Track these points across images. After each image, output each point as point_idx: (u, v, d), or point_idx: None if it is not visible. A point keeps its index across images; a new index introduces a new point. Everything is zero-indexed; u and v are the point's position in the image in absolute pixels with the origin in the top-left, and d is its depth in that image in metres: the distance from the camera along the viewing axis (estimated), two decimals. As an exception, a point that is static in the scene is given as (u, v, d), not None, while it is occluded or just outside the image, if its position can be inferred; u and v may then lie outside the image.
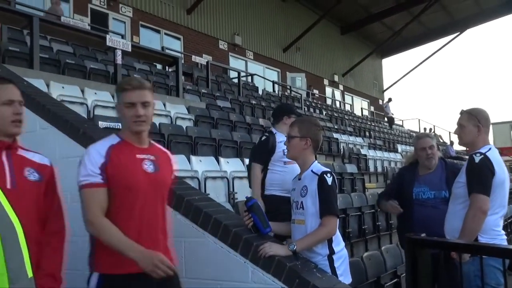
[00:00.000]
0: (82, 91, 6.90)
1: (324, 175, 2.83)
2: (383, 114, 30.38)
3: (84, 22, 13.23)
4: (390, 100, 24.53)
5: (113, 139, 2.39)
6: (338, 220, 2.88)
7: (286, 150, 3.30)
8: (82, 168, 2.28)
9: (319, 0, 24.06)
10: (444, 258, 2.43)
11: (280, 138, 4.14)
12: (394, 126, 24.50)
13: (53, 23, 8.46)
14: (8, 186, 2.16)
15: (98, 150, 2.29)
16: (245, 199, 3.08)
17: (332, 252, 2.84)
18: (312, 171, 2.90)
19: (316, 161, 3.01)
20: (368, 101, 31.62)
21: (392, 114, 24.24)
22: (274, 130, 4.38)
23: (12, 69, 6.00)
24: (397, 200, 4.10)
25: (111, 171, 2.25)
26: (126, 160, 2.31)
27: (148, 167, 2.35)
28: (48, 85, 6.39)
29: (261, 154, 4.25)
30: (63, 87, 6.53)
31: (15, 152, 2.30)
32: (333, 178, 2.86)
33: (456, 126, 3.45)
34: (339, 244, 2.89)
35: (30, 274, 1.02)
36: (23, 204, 2.04)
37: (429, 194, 3.97)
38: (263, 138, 4.37)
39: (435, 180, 3.99)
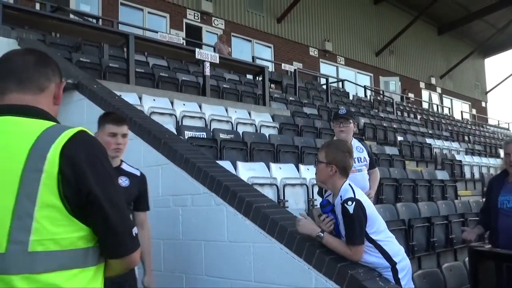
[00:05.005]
0: (172, 103, 7.34)
1: (345, 204, 2.74)
2: (486, 117, 28.60)
3: (179, 36, 14.01)
4: None
5: None
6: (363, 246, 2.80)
7: None
8: None
9: (414, 0, 23.26)
10: (507, 271, 2.33)
11: None
12: (499, 130, 22.90)
13: (147, 40, 9.09)
14: None
15: None
16: (320, 205, 3.08)
17: (393, 263, 2.82)
18: (340, 196, 2.83)
19: (347, 182, 2.90)
20: (469, 103, 29.91)
21: None
22: None
23: (110, 84, 6.55)
24: (488, 212, 3.93)
25: None
26: None
27: None
28: (140, 98, 6.89)
29: None
30: (154, 100, 7.01)
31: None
32: (356, 204, 2.73)
33: None
34: (398, 255, 2.86)
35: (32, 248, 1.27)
36: None
37: None
38: None
39: None
